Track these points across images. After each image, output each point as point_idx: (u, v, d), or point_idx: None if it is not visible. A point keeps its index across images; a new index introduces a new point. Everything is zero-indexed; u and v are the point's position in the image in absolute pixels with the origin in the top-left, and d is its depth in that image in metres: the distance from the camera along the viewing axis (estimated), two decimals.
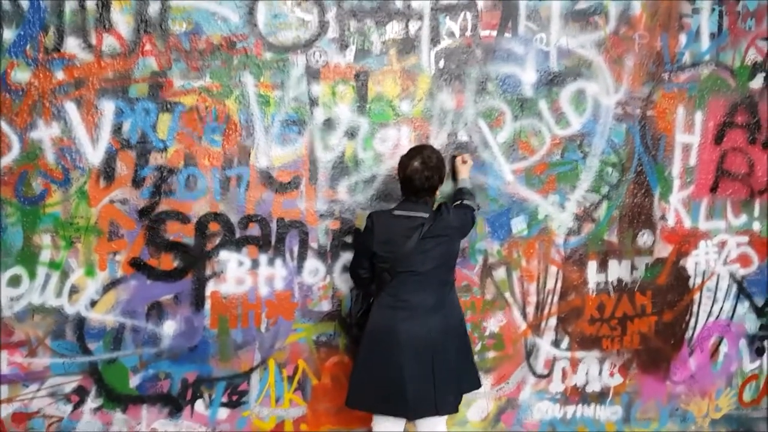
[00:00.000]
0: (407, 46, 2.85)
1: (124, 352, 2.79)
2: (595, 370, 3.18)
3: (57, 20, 2.61)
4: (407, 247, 2.50)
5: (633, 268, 3.14)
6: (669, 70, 3.03)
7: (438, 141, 2.90)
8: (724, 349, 3.29)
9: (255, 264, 2.84)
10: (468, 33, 2.88)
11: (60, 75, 2.63)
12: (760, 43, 3.09)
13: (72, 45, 2.62)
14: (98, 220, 2.71)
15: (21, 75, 2.60)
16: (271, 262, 2.85)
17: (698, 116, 3.10)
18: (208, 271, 2.80)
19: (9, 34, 2.59)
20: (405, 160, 2.58)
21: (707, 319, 3.25)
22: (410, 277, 2.52)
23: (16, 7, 2.59)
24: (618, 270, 3.13)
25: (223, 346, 2.85)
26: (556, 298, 3.09)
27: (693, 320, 3.24)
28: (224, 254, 2.81)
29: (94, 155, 2.68)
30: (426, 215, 2.55)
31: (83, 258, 2.72)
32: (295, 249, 2.86)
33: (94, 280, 2.73)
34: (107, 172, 2.69)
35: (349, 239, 2.90)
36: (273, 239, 2.84)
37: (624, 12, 2.96)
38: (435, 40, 2.87)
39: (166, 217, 2.74)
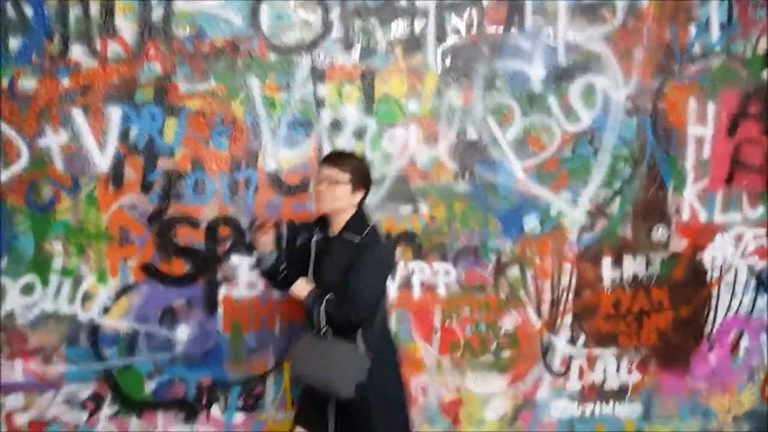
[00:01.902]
0: (413, 44, 2.83)
1: (139, 357, 2.78)
2: (612, 367, 3.13)
3: (61, 27, 2.61)
4: None
5: (648, 263, 3.09)
6: (679, 62, 2.99)
7: (447, 139, 2.88)
8: (744, 343, 3.23)
9: None
10: (474, 29, 2.85)
11: (66, 82, 2.63)
12: None
13: (77, 52, 2.63)
14: (108, 226, 2.70)
15: (27, 83, 2.61)
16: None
17: (710, 108, 3.05)
18: (219, 276, 2.79)
19: (14, 43, 2.60)
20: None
21: (726, 314, 3.20)
22: None
23: (20, 15, 2.59)
24: (633, 265, 3.08)
25: (237, 350, 2.84)
26: (571, 296, 3.05)
27: (712, 315, 3.18)
28: (235, 258, 2.79)
29: (102, 161, 2.68)
30: None
31: (95, 264, 2.72)
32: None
33: (106, 286, 2.73)
34: (116, 177, 2.69)
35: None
36: (284, 242, 2.82)
37: (632, 4, 2.92)
38: (441, 37, 2.84)
39: (176, 221, 2.73)
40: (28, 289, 2.70)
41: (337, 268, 2.31)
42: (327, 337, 2.27)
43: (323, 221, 2.45)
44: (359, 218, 2.36)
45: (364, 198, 2.39)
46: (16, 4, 2.58)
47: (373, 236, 2.34)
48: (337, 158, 2.40)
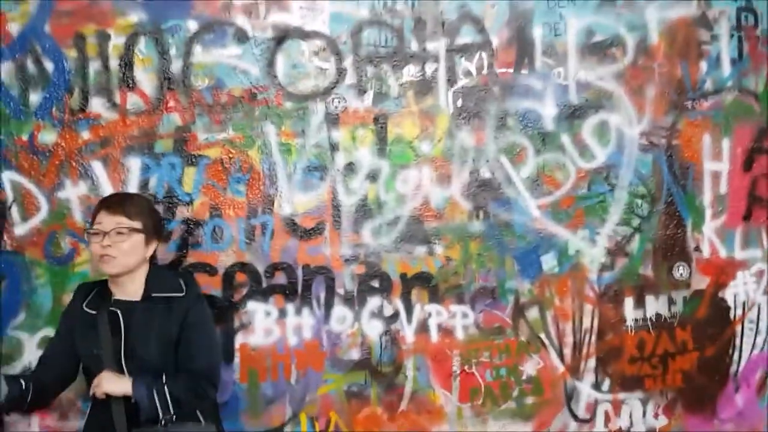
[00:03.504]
0: (424, 87, 2.85)
1: None
2: (638, 412, 3.04)
3: (81, 81, 2.67)
4: None
5: (671, 302, 3.03)
6: (691, 98, 2.99)
7: (460, 179, 2.88)
8: None
9: (282, 313, 2.79)
10: (484, 71, 2.88)
11: (86, 135, 2.67)
12: None
13: (97, 105, 2.67)
14: None
15: (48, 136, 2.65)
16: (298, 310, 2.80)
17: (725, 143, 3.03)
18: (236, 323, 2.77)
19: (35, 97, 2.65)
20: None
21: (751, 352, 3.12)
22: None
23: (41, 70, 2.65)
24: (656, 305, 3.02)
25: (253, 401, 2.78)
26: (593, 338, 2.99)
27: (736, 354, 3.10)
28: (252, 305, 2.77)
29: None
30: None
31: None
32: (322, 296, 2.82)
33: None
34: None
35: (375, 283, 2.85)
36: (299, 287, 2.81)
37: (641, 42, 2.94)
38: (452, 80, 2.87)
39: (193, 269, 2.71)
40: (45, 344, 2.65)
41: (160, 339, 1.97)
42: (167, 427, 1.87)
43: (92, 287, 2.07)
44: (163, 272, 2.09)
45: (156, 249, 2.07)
46: (36, 59, 2.65)
47: (195, 288, 2.08)
48: (122, 203, 2.04)
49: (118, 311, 2.00)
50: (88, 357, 2.02)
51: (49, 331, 2.66)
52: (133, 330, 1.97)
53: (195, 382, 1.96)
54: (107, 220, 1.98)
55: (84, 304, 2.06)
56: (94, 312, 2.03)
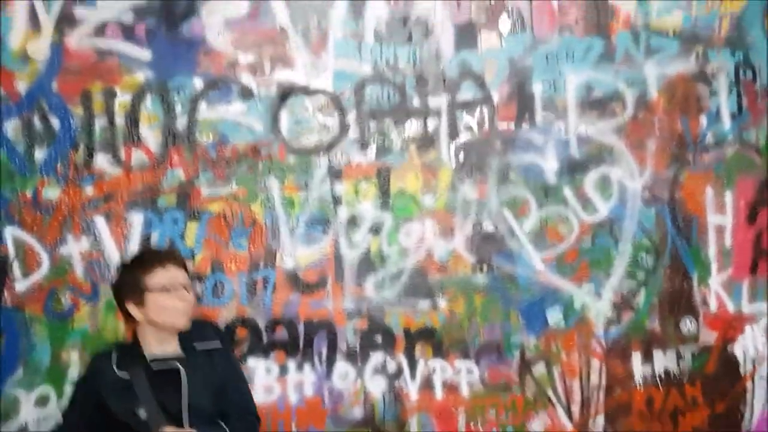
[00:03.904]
0: (427, 141, 2.88)
1: None
2: None
3: (87, 138, 2.69)
4: None
5: (679, 357, 2.98)
6: (693, 152, 3.01)
7: (463, 232, 2.87)
8: None
9: (283, 370, 2.75)
10: (486, 126, 2.91)
11: (89, 190, 2.68)
12: None
13: (101, 161, 2.69)
14: (126, 333, 2.67)
15: (52, 192, 2.66)
16: (299, 366, 2.76)
17: (728, 196, 3.04)
18: None
19: (40, 154, 2.67)
20: None
21: (763, 408, 3.05)
22: None
23: (47, 127, 2.68)
24: (664, 360, 2.97)
25: None
26: (602, 395, 2.93)
27: (748, 411, 3.03)
28: (252, 361, 2.73)
29: None
30: None
31: None
32: (324, 351, 2.78)
33: None
34: None
35: (379, 338, 2.82)
36: (301, 342, 2.77)
37: (641, 97, 2.98)
38: (453, 134, 2.90)
39: None
40: (42, 401, 2.64)
41: (210, 388, 2.03)
42: None
43: (111, 352, 2.07)
44: (194, 323, 2.08)
45: None
46: (43, 116, 2.68)
47: (223, 334, 2.20)
48: (181, 257, 2.15)
49: (179, 366, 2.01)
50: (130, 418, 1.99)
51: (47, 389, 2.63)
52: (191, 383, 2.00)
53: (252, 425, 2.11)
54: (180, 274, 2.04)
55: (115, 368, 2.03)
56: (125, 374, 2.01)
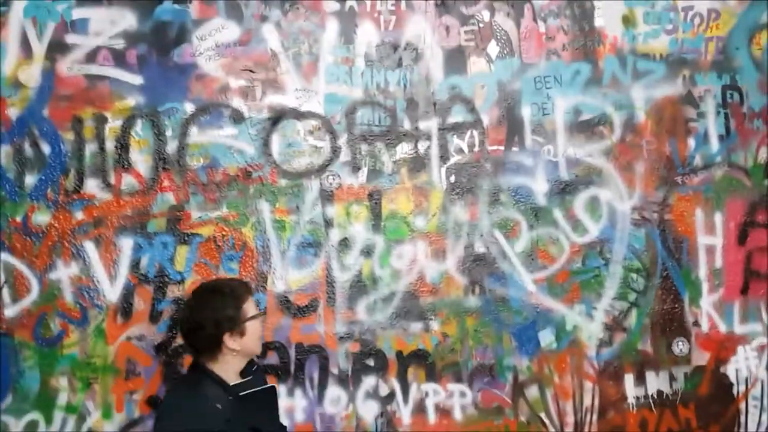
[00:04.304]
0: (418, 164, 2.90)
1: None
2: None
3: (77, 163, 2.70)
4: None
5: (672, 378, 2.97)
6: (681, 174, 3.03)
7: (455, 254, 2.88)
8: None
9: None
10: (476, 148, 2.93)
11: (79, 215, 2.68)
12: None
13: (91, 186, 2.70)
14: (115, 358, 2.65)
15: (41, 218, 2.66)
16: (290, 392, 2.74)
17: (718, 217, 3.05)
18: None
19: (30, 179, 2.67)
20: None
21: (757, 430, 3.03)
22: None
23: (38, 153, 2.69)
24: (656, 382, 2.96)
25: None
26: (595, 417, 2.91)
27: None
28: None
29: (112, 292, 2.68)
30: None
31: (100, 399, 2.65)
32: (315, 376, 2.77)
33: (111, 422, 2.64)
34: (124, 308, 2.68)
35: (371, 362, 2.80)
36: (292, 367, 2.75)
37: (628, 120, 3.01)
38: (444, 157, 2.91)
39: (183, 350, 2.67)
40: (31, 428, 2.61)
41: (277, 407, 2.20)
42: None
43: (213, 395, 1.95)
44: None
45: None
46: (34, 142, 2.68)
47: None
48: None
49: (256, 392, 2.04)
50: None
51: (36, 416, 2.61)
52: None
53: None
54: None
55: (217, 404, 1.94)
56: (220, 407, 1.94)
